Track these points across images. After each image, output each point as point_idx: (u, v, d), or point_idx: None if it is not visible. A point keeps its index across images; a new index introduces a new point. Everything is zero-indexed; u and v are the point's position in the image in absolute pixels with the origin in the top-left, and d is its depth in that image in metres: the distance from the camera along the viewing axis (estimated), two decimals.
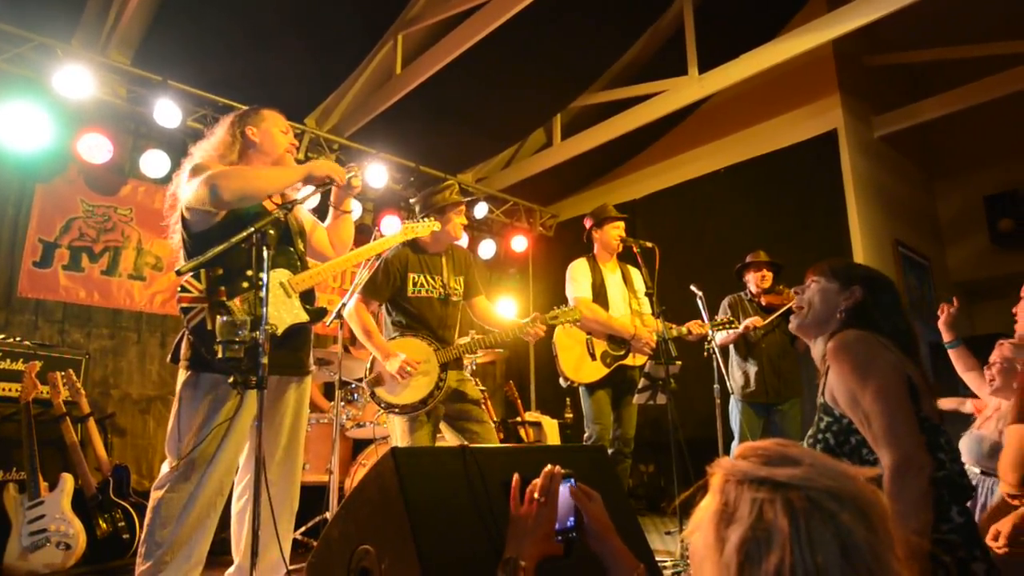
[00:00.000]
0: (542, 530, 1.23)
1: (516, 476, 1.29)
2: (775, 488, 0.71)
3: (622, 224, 4.07)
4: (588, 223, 4.17)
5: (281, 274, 2.34)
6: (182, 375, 2.26)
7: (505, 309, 7.19)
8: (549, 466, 1.31)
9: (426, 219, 3.03)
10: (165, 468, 2.24)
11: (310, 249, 2.62)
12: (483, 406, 3.23)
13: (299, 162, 2.53)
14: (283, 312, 2.30)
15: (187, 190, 2.27)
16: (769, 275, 4.39)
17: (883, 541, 0.69)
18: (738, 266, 4.53)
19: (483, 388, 4.03)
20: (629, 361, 3.76)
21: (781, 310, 4.22)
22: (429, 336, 3.13)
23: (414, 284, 3.14)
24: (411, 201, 3.35)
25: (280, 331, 2.27)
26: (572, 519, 1.32)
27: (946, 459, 1.54)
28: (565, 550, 1.30)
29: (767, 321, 4.23)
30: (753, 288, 4.43)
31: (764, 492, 0.71)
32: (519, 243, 7.06)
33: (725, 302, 4.43)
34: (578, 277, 3.99)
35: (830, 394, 1.64)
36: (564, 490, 1.31)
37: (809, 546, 0.67)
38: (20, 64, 4.36)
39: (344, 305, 3.09)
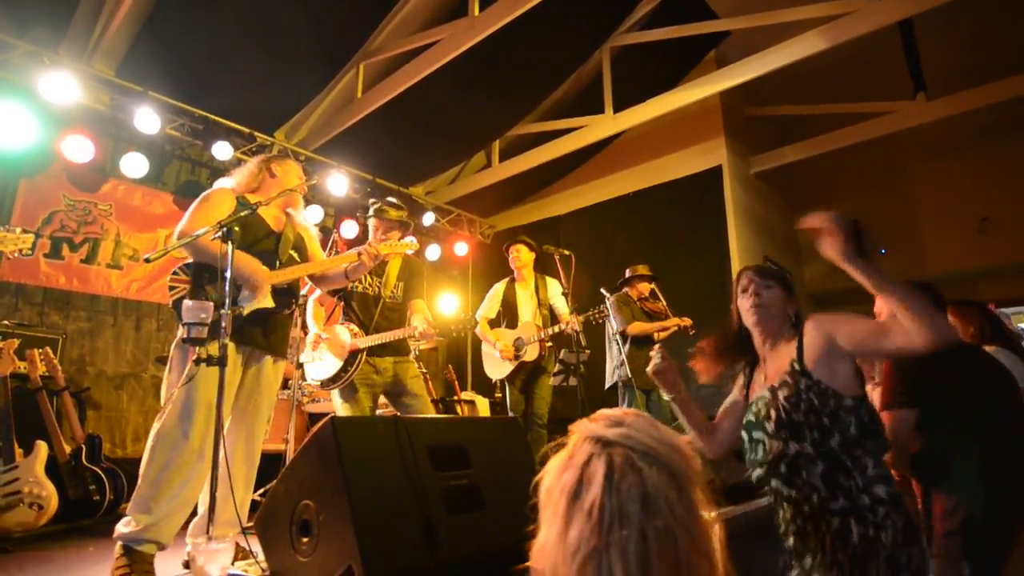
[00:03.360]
0: None
1: None
2: (605, 444, 0.76)
3: (520, 247, 4.20)
4: (503, 249, 4.32)
5: (262, 268, 2.34)
6: (175, 343, 2.25)
7: (448, 304, 7.17)
8: None
9: (409, 239, 2.90)
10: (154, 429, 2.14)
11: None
12: (421, 382, 3.21)
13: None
14: (254, 298, 2.29)
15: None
16: (649, 285, 4.49)
17: (684, 501, 0.73)
18: (621, 280, 4.58)
19: (424, 371, 4.02)
20: (526, 358, 3.91)
21: (666, 320, 4.33)
22: (357, 325, 3.05)
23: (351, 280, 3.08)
24: (370, 204, 3.28)
25: (246, 312, 2.22)
26: None
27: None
28: None
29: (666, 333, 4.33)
30: (634, 294, 4.50)
31: (596, 447, 0.76)
32: (461, 248, 7.05)
33: (615, 298, 4.48)
34: (486, 300, 4.28)
35: (810, 359, 1.55)
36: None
37: (616, 492, 0.71)
38: (8, 68, 4.06)
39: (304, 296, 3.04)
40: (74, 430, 3.34)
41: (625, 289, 4.54)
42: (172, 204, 5.09)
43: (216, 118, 4.90)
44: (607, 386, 4.19)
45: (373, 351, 3.00)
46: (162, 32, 4.27)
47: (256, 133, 5.20)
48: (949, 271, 6.23)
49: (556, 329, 3.78)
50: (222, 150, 4.86)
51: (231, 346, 2.21)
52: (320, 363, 2.98)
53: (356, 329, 3.03)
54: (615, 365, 4.24)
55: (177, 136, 4.91)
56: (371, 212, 3.20)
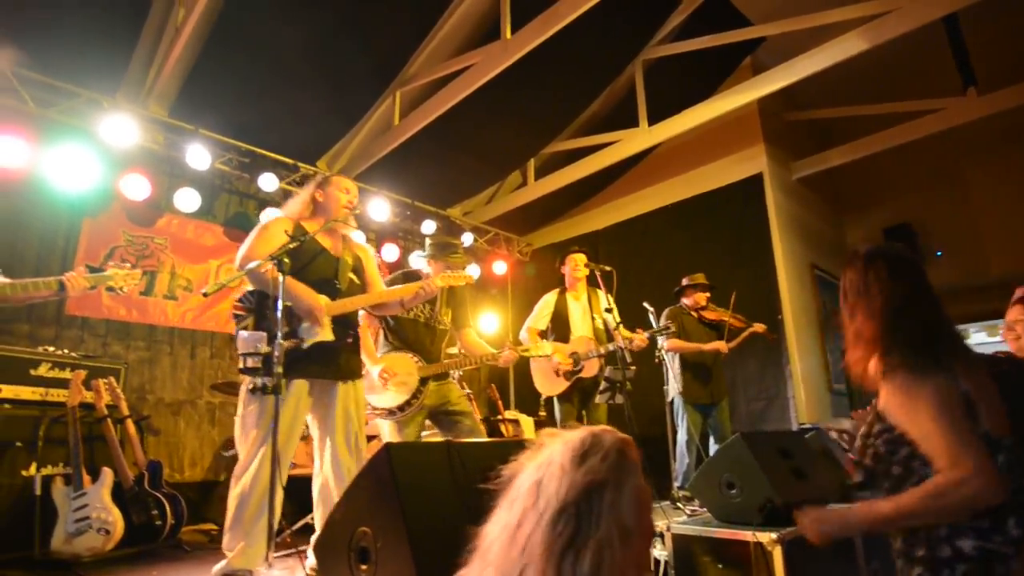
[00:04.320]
0: None
1: None
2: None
3: (579, 257, 4.14)
4: (557, 262, 4.26)
5: (320, 300, 2.41)
6: (244, 382, 2.35)
7: (488, 323, 7.19)
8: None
9: (461, 271, 2.98)
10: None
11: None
12: (467, 401, 3.25)
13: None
14: (314, 331, 2.37)
15: None
16: (705, 295, 4.44)
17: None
18: (677, 289, 4.56)
19: (468, 391, 4.02)
20: (584, 374, 3.83)
21: (725, 328, 4.25)
22: (414, 353, 3.11)
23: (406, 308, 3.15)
24: (428, 241, 3.35)
25: (306, 346, 2.29)
26: None
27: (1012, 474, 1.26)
28: None
29: (736, 342, 4.25)
30: (690, 303, 4.46)
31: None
32: (499, 267, 7.09)
33: (666, 312, 4.44)
34: (537, 309, 4.17)
35: (883, 405, 1.36)
36: None
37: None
38: (72, 115, 4.32)
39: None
40: (137, 456, 3.47)
41: (682, 300, 4.48)
42: (223, 236, 5.29)
43: (262, 151, 5.10)
44: (668, 401, 4.11)
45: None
46: (210, 74, 4.49)
47: (300, 164, 5.38)
48: (1013, 271, 5.91)
49: (627, 344, 3.71)
50: (268, 182, 5.04)
51: (303, 383, 2.32)
52: (385, 392, 2.99)
53: (417, 357, 3.07)
54: (676, 380, 4.19)
55: (226, 170, 5.12)
56: (433, 252, 3.23)
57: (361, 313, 3.14)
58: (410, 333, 3.14)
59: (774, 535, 2.22)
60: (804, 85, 4.86)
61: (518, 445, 1.81)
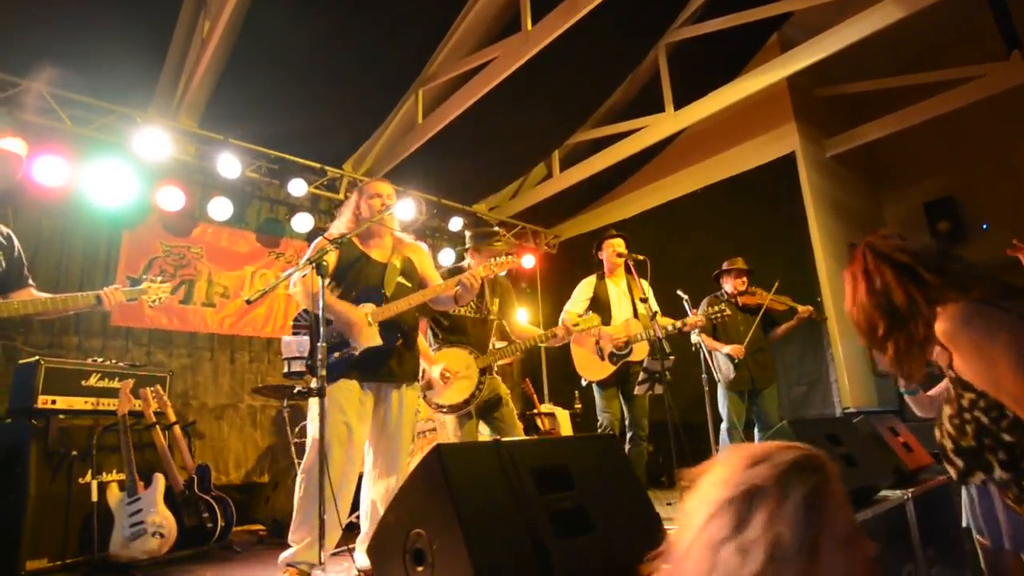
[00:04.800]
0: None
1: None
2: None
3: (618, 242, 4.07)
4: (593, 247, 4.21)
5: (367, 307, 2.47)
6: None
7: (519, 316, 7.17)
8: None
9: (504, 257, 2.96)
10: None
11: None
12: (510, 397, 3.28)
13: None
14: (363, 337, 2.42)
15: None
16: (745, 279, 4.37)
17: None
18: (716, 272, 4.50)
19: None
20: (632, 357, 3.75)
21: (761, 311, 4.19)
22: (469, 346, 3.15)
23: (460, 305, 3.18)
24: (467, 235, 3.36)
25: (357, 352, 2.37)
26: None
27: None
28: None
29: (754, 327, 4.19)
30: (730, 289, 4.40)
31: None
32: (528, 261, 7.06)
33: (705, 302, 4.39)
34: (576, 294, 4.10)
35: (961, 369, 1.26)
36: None
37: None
38: (107, 132, 4.44)
39: None
40: (185, 461, 3.56)
41: (723, 286, 4.42)
42: (255, 242, 5.38)
43: (290, 157, 5.17)
44: (706, 389, 4.05)
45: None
46: (236, 84, 4.56)
47: (327, 168, 5.43)
48: None
49: (679, 324, 3.67)
50: (297, 187, 5.11)
51: (354, 384, 2.36)
52: (448, 389, 3.03)
53: (472, 350, 3.11)
54: (715, 368, 4.13)
55: (256, 178, 5.21)
56: (474, 243, 3.25)
57: None
58: (460, 327, 3.18)
59: None
60: (835, 58, 4.70)
61: (565, 443, 1.82)
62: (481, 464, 1.33)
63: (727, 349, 4.16)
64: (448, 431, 3.12)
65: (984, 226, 6.03)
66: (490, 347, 3.27)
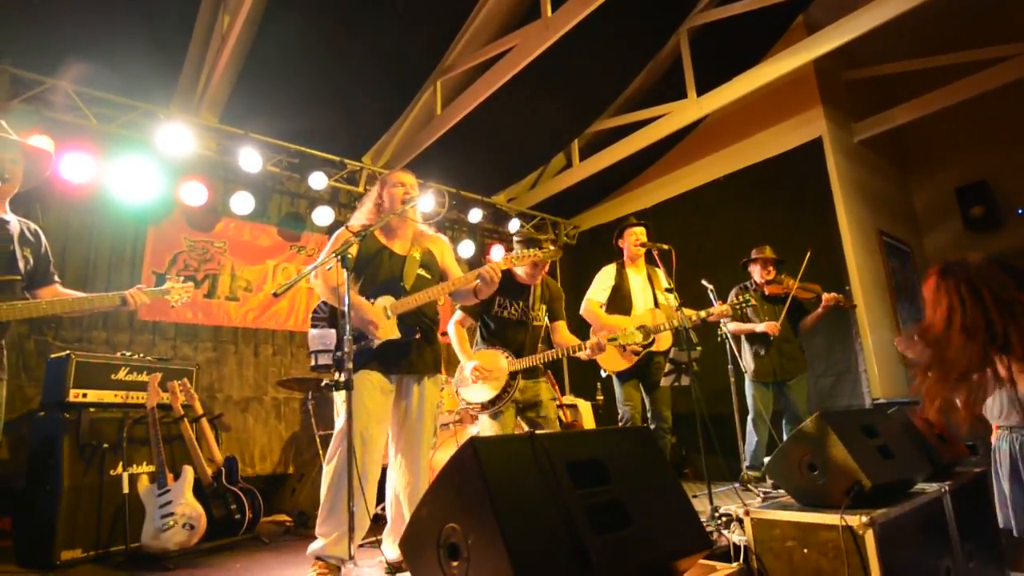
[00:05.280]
0: None
1: None
2: None
3: (639, 231, 4.00)
4: (614, 236, 4.14)
5: (385, 300, 2.47)
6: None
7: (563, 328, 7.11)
8: None
9: (527, 250, 2.95)
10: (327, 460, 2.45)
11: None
12: (555, 406, 3.34)
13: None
14: (381, 332, 2.42)
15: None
16: (773, 269, 4.29)
17: None
18: (744, 260, 4.43)
19: (556, 397, 4.07)
20: (655, 348, 3.70)
21: (788, 300, 4.12)
22: (506, 349, 3.17)
23: (498, 305, 3.22)
24: (515, 240, 3.37)
25: (375, 345, 2.35)
26: None
27: None
28: None
29: (782, 315, 4.13)
30: (758, 279, 4.33)
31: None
32: (527, 249, 6.98)
33: (734, 292, 4.33)
34: (597, 282, 4.02)
35: None
36: None
37: None
38: (131, 128, 4.48)
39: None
40: (213, 453, 3.60)
41: (751, 275, 4.36)
42: (277, 236, 5.41)
43: (310, 151, 5.18)
44: (732, 379, 4.00)
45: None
46: (256, 78, 4.57)
47: (346, 160, 5.43)
48: None
49: (704, 314, 3.61)
50: (317, 180, 5.12)
51: (377, 374, 2.36)
52: (477, 387, 3.10)
53: (508, 353, 3.15)
54: (741, 358, 4.08)
55: (276, 172, 5.23)
56: (520, 251, 3.22)
57: (459, 315, 3.28)
58: (501, 330, 3.23)
59: (864, 518, 2.11)
60: (862, 40, 4.56)
61: (599, 436, 1.79)
62: (516, 457, 1.30)
63: (762, 326, 4.09)
64: (484, 427, 3.18)
65: (1020, 211, 5.84)
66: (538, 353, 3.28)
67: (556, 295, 3.46)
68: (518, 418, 3.22)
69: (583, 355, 3.12)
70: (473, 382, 3.07)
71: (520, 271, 3.27)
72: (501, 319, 3.23)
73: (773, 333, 4.06)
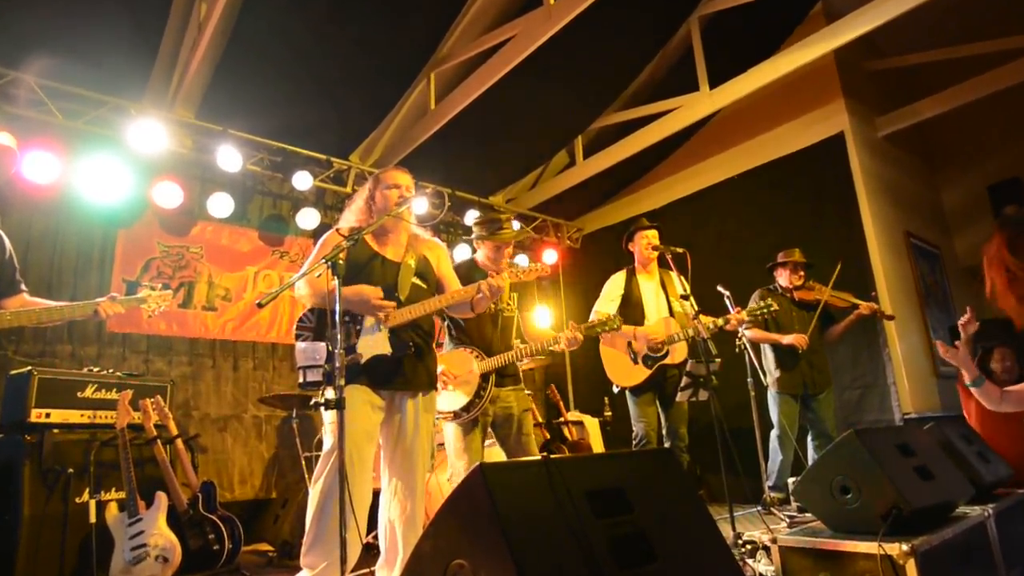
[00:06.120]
0: None
1: None
2: None
3: (651, 233, 3.96)
4: (624, 239, 4.10)
5: (377, 291, 2.42)
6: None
7: (541, 317, 7.10)
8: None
9: (530, 264, 2.88)
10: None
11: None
12: (531, 419, 3.18)
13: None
14: (371, 344, 2.35)
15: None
16: (803, 273, 4.27)
17: None
18: (770, 264, 4.40)
19: (528, 392, 3.94)
20: (669, 360, 3.65)
21: (820, 307, 4.08)
22: (474, 347, 3.05)
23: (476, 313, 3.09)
24: (474, 222, 3.28)
25: (364, 360, 2.30)
26: None
27: None
28: None
29: (812, 325, 4.09)
30: (785, 283, 4.30)
31: None
32: (549, 256, 6.97)
33: (756, 294, 4.29)
34: (606, 291, 3.99)
35: None
36: None
37: None
38: (99, 124, 4.44)
39: None
40: (189, 478, 3.54)
41: (777, 280, 4.33)
42: (258, 240, 5.36)
43: (293, 148, 5.14)
44: (752, 393, 3.95)
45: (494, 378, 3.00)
46: (235, 72, 4.53)
47: (333, 159, 5.40)
48: None
49: (722, 322, 3.56)
50: (302, 180, 5.08)
51: (366, 389, 2.31)
52: (445, 394, 2.96)
53: (477, 352, 3.02)
54: (764, 369, 4.04)
55: (257, 171, 5.18)
56: (481, 232, 3.16)
57: None
58: (473, 327, 3.09)
59: (905, 546, 2.07)
60: (886, 28, 4.55)
61: (617, 460, 1.74)
62: (530, 485, 1.25)
63: (789, 339, 4.05)
64: (448, 441, 3.03)
65: None
66: (514, 349, 3.18)
67: (525, 283, 3.35)
68: (487, 437, 3.08)
69: (559, 348, 3.03)
70: (442, 388, 2.92)
71: (480, 256, 3.17)
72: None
73: (801, 346, 4.03)
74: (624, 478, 1.40)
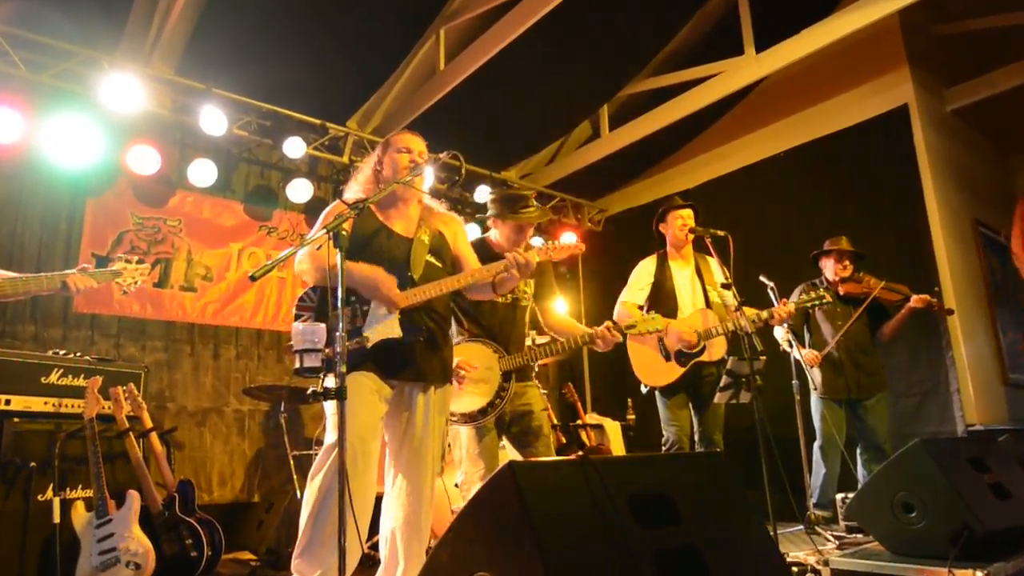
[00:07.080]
0: None
1: None
2: None
3: (686, 213, 3.89)
4: (655, 220, 4.03)
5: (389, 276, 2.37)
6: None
7: (557, 306, 7.04)
8: None
9: (556, 241, 2.85)
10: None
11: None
12: (547, 419, 3.13)
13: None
14: (379, 327, 2.31)
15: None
16: (850, 264, 4.20)
17: None
18: (815, 252, 4.34)
19: (544, 391, 3.89)
20: (705, 357, 3.59)
21: (866, 301, 4.02)
22: (492, 343, 2.98)
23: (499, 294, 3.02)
24: (490, 199, 3.22)
25: (370, 344, 2.26)
26: None
27: None
28: None
29: (854, 317, 4.04)
30: (830, 275, 4.24)
31: None
32: (568, 239, 6.91)
33: (798, 290, 4.23)
34: (633, 280, 3.90)
35: None
36: None
37: None
38: (68, 79, 4.41)
39: None
40: (164, 476, 3.52)
41: (823, 271, 4.28)
42: (243, 214, 5.33)
43: (285, 111, 5.09)
44: (799, 399, 3.91)
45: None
46: (220, 23, 4.49)
47: (328, 124, 5.35)
48: None
49: (766, 315, 3.48)
50: (294, 147, 5.04)
51: (373, 377, 2.28)
52: (464, 393, 2.88)
53: (496, 348, 2.95)
54: (808, 371, 3.99)
55: (244, 136, 5.14)
56: (499, 209, 3.09)
57: None
58: (490, 317, 3.01)
59: (980, 573, 2.02)
60: None
61: (663, 463, 1.70)
62: (566, 489, 1.21)
63: (803, 354, 4.00)
64: (461, 445, 2.96)
65: None
66: (527, 343, 3.13)
67: (543, 269, 3.23)
68: (503, 436, 3.02)
69: (599, 347, 2.96)
70: (459, 386, 2.83)
71: (496, 237, 3.10)
72: (486, 302, 2.95)
73: (812, 365, 4.02)
74: (670, 483, 1.35)
